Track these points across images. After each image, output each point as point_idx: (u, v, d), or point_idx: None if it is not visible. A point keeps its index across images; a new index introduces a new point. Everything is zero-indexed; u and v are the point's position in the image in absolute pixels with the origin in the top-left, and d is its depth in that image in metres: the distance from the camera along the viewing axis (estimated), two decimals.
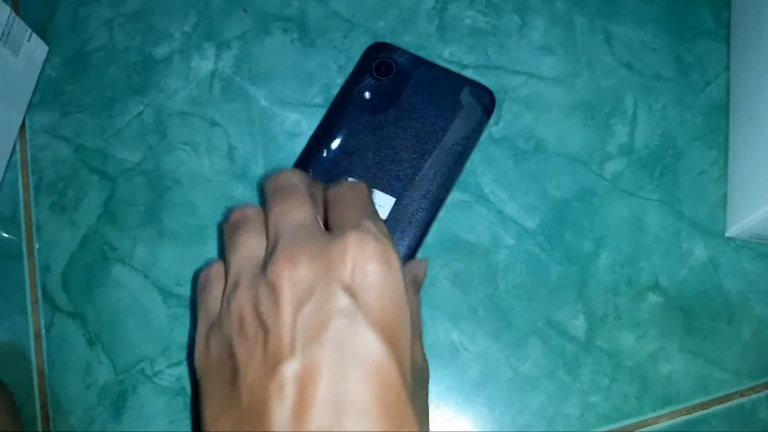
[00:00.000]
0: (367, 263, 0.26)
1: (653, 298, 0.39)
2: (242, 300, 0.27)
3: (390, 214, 0.38)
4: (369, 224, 0.27)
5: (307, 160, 0.40)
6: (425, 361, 0.30)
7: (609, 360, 0.38)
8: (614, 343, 0.38)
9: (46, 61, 0.45)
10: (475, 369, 0.38)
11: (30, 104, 0.44)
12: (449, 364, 0.38)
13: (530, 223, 0.40)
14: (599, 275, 0.39)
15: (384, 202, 0.38)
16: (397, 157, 0.39)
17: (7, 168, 0.43)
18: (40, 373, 0.39)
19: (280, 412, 0.24)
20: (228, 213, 0.33)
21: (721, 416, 0.38)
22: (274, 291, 0.26)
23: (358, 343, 0.25)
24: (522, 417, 0.37)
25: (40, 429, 0.38)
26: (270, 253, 0.28)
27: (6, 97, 0.42)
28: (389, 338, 0.25)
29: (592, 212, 0.40)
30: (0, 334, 0.40)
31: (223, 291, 0.30)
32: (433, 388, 0.38)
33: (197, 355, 0.30)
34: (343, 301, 0.25)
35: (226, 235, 0.32)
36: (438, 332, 0.39)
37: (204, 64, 0.44)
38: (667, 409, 0.37)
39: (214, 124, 0.43)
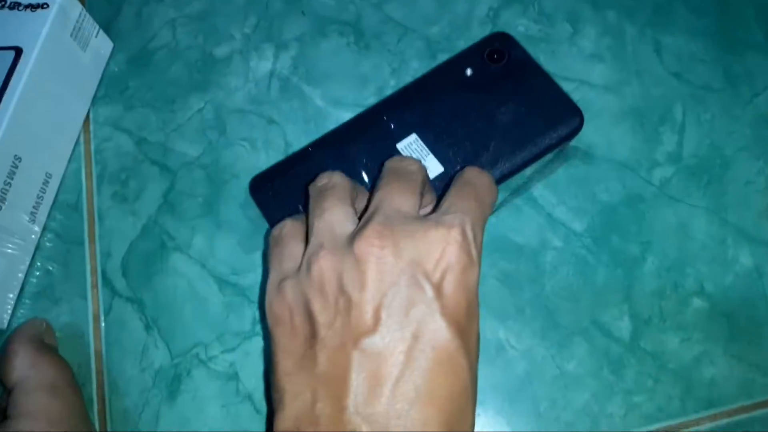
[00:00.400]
0: (454, 264, 0.27)
1: (698, 302, 0.40)
2: (325, 264, 0.28)
3: (432, 180, 0.39)
4: (469, 228, 0.28)
5: (390, 100, 0.41)
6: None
7: (653, 361, 0.39)
8: (659, 345, 0.39)
9: (111, 56, 0.47)
10: (521, 366, 0.39)
11: (95, 97, 0.46)
12: (496, 361, 0.39)
13: (578, 226, 0.41)
14: (645, 279, 0.40)
15: (432, 167, 0.39)
16: (466, 135, 0.40)
17: (71, 157, 0.44)
18: (98, 354, 0.40)
19: (358, 383, 0.25)
20: (316, 176, 0.34)
21: (764, 420, 0.38)
22: (359, 265, 0.27)
23: (434, 332, 0.26)
24: (566, 414, 0.38)
25: (96, 409, 0.39)
26: (362, 225, 0.29)
27: (73, 90, 0.44)
28: (462, 334, 0.27)
29: (640, 217, 0.41)
30: (61, 315, 0.41)
31: (304, 250, 0.31)
32: (480, 384, 0.38)
33: (269, 302, 0.31)
34: (427, 292, 0.26)
35: (311, 195, 0.33)
36: (485, 330, 0.39)
37: (263, 64, 0.46)
38: (710, 412, 0.38)
39: (271, 121, 0.44)
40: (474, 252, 0.28)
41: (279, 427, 0.28)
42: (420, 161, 0.34)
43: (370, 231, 0.28)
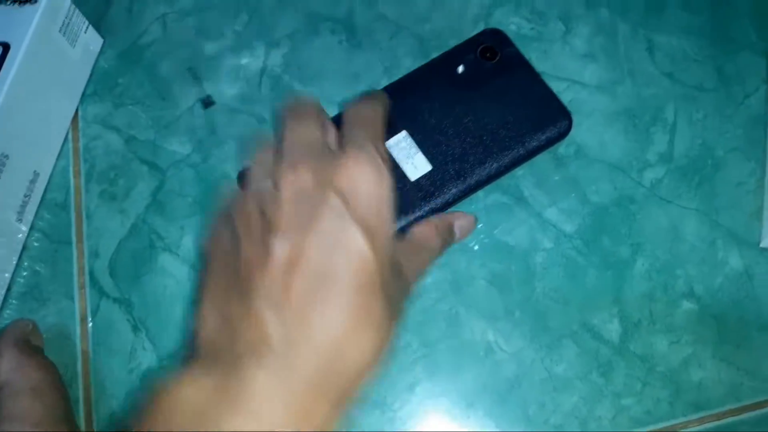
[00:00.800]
0: (359, 175, 0.29)
1: (688, 305, 0.40)
2: (250, 200, 0.30)
3: (419, 179, 0.39)
4: (369, 145, 0.30)
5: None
6: (408, 282, 0.32)
7: (642, 364, 0.39)
8: (648, 348, 0.39)
9: (101, 53, 0.46)
10: (509, 369, 0.39)
11: (84, 95, 0.45)
12: (485, 363, 0.39)
13: (569, 227, 0.41)
14: (635, 281, 0.40)
15: (420, 166, 0.39)
16: (455, 133, 0.39)
17: (59, 155, 0.44)
18: (85, 356, 0.40)
19: (263, 280, 0.27)
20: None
21: (752, 423, 0.38)
22: (276, 189, 0.29)
23: (343, 234, 0.27)
24: (555, 417, 0.38)
25: (82, 410, 0.39)
26: (277, 163, 0.31)
27: (62, 86, 0.44)
28: (371, 235, 0.28)
29: (630, 219, 0.41)
30: (48, 316, 0.41)
31: None
32: (469, 386, 0.39)
33: (207, 243, 0.32)
34: (334, 201, 0.28)
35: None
36: (474, 332, 0.39)
37: (254, 62, 0.45)
38: (698, 415, 0.38)
39: (262, 120, 0.44)
40: (379, 163, 0.30)
41: (198, 340, 0.28)
42: (309, 96, 0.35)
43: (284, 163, 0.30)
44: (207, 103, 0.43)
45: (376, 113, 0.35)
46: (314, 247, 0.27)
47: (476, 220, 0.38)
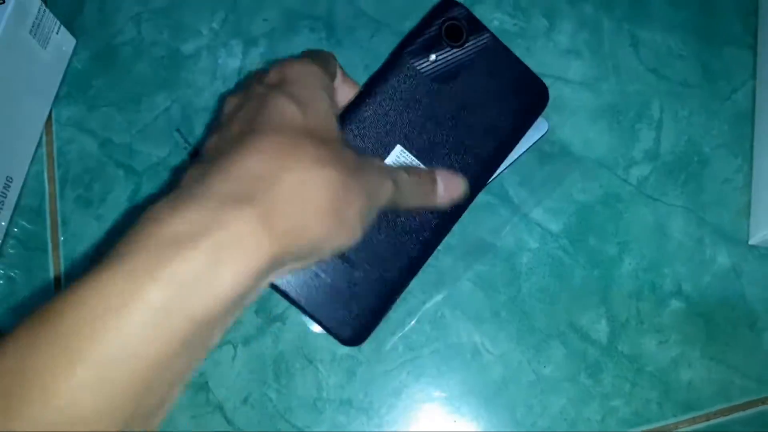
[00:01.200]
0: (287, 68, 0.31)
1: (676, 304, 0.39)
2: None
3: None
4: (307, 57, 0.32)
5: (350, 108, 0.38)
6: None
7: (631, 365, 0.38)
8: (636, 348, 0.38)
9: (74, 54, 0.45)
10: (496, 371, 0.38)
11: (57, 97, 0.44)
12: (471, 366, 0.38)
13: (554, 226, 0.40)
14: (622, 280, 0.39)
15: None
16: (439, 126, 0.38)
17: (33, 160, 0.43)
18: None
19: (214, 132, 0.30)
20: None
21: (743, 423, 0.38)
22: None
23: (272, 104, 0.29)
24: (543, 420, 0.37)
25: None
26: None
27: (34, 89, 0.42)
28: (298, 102, 0.29)
29: (617, 217, 0.40)
30: None
31: None
32: (455, 390, 0.38)
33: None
34: (260, 89, 0.31)
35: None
36: (460, 334, 0.39)
37: (231, 61, 0.44)
38: (688, 415, 0.38)
39: None
40: (309, 64, 0.32)
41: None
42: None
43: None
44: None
45: (325, 54, 0.36)
46: (245, 107, 0.30)
47: (464, 183, 0.35)
